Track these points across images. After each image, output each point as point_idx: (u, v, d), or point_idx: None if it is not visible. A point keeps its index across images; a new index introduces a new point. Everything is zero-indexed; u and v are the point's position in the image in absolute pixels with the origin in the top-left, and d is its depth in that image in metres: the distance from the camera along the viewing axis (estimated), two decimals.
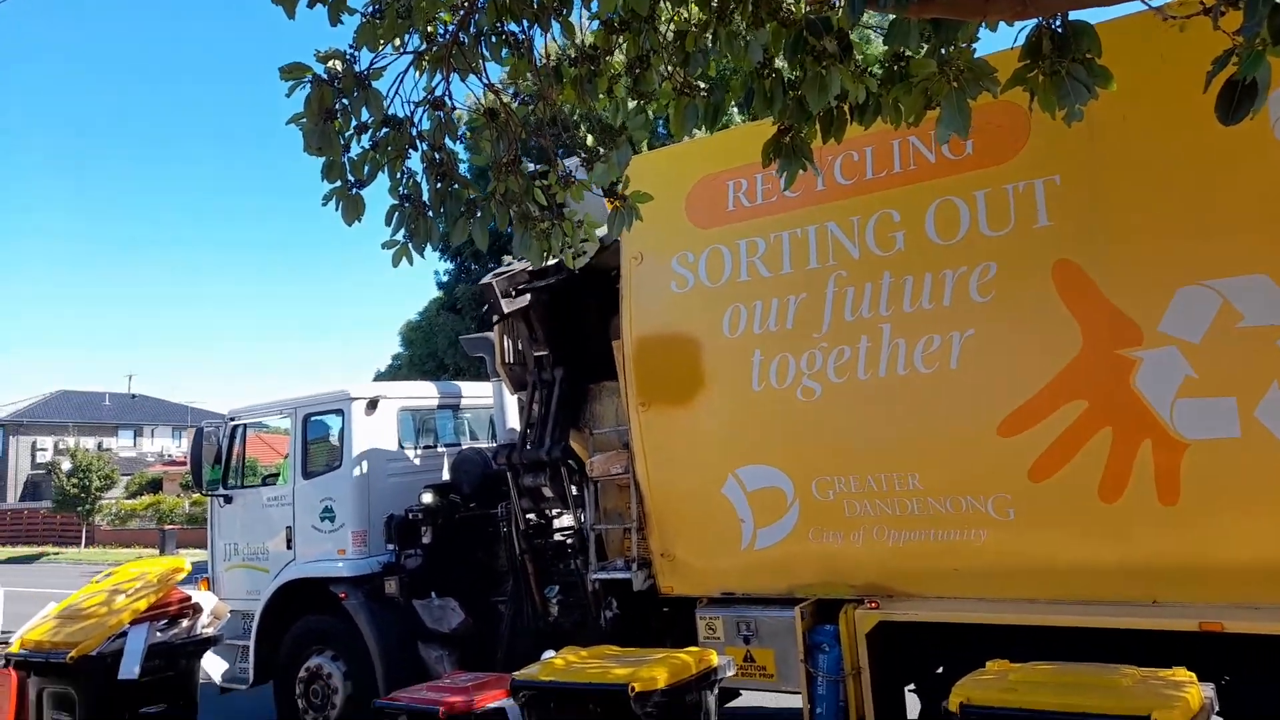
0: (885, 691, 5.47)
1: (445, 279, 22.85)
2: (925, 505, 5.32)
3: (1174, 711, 3.34)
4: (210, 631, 6.89)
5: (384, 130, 3.30)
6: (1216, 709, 3.69)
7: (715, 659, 4.95)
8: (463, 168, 3.63)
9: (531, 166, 3.69)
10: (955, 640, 5.28)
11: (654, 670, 4.52)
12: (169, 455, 52.68)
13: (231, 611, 7.47)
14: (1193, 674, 3.78)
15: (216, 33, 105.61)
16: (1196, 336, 4.60)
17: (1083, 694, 3.58)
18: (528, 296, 7.01)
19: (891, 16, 3.08)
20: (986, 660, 4.35)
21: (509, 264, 7.63)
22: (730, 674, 5.18)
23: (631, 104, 3.60)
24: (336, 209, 3.21)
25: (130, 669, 6.30)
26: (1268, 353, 4.44)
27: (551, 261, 4.15)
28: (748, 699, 7.04)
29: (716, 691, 4.99)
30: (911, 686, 5.73)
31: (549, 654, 5.25)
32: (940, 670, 5.52)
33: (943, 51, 2.95)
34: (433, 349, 21.50)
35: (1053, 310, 4.95)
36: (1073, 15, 2.65)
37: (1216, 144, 4.57)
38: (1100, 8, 2.66)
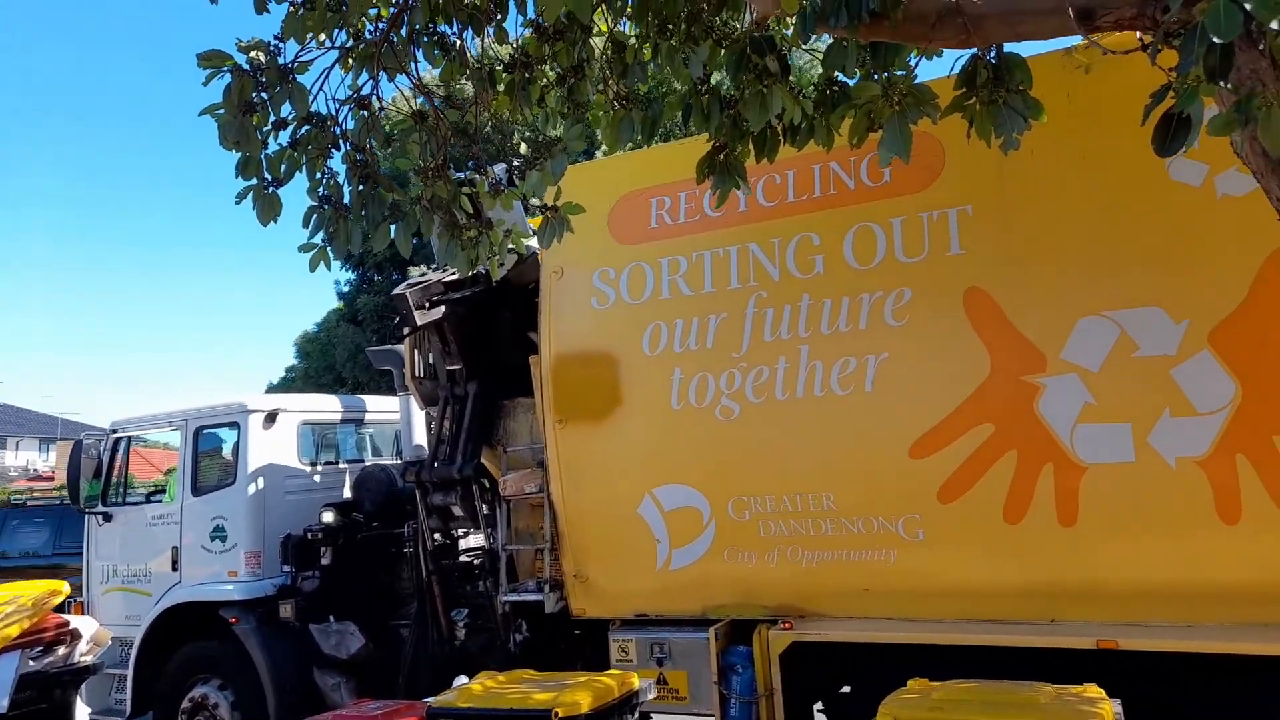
0: (795, 712, 5.49)
1: (346, 289, 22.17)
2: (839, 525, 5.38)
3: None
4: (89, 660, 6.38)
5: (306, 128, 3.15)
6: None
7: (637, 682, 4.86)
8: (382, 169, 3.50)
9: (460, 175, 3.58)
10: (860, 659, 5.34)
11: (577, 694, 4.40)
12: (34, 469, 49.32)
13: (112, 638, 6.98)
14: (1102, 690, 3.91)
15: (126, 9, 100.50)
16: (1096, 365, 4.80)
17: (1007, 713, 3.65)
18: (442, 309, 6.83)
19: (828, 41, 3.12)
20: (891, 679, 4.37)
21: (423, 274, 7.42)
22: (651, 697, 5.10)
23: (565, 115, 3.54)
24: (253, 207, 3.02)
25: None
26: (1161, 382, 4.65)
27: (473, 272, 4.03)
28: None
29: (637, 715, 4.90)
30: (819, 706, 5.77)
31: (461, 679, 5.05)
32: (847, 689, 5.57)
33: (875, 77, 3.00)
34: (330, 361, 20.79)
35: (963, 336, 5.09)
36: (1008, 47, 2.73)
37: (1117, 182, 4.82)
38: (1035, 40, 2.75)
